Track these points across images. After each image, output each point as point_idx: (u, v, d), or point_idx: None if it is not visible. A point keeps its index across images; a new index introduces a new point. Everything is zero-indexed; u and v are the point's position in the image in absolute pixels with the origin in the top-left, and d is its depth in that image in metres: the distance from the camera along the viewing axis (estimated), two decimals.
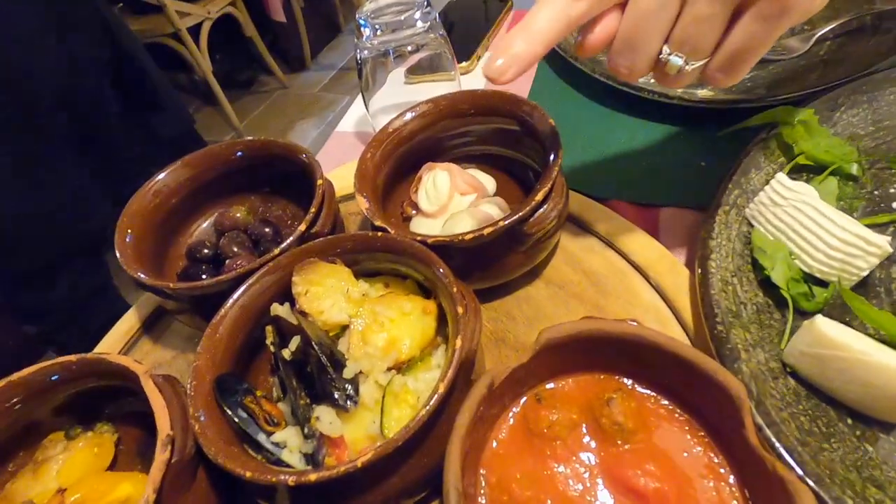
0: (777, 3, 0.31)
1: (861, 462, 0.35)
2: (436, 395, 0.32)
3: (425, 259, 0.41)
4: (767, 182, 0.50)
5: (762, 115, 0.56)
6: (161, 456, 0.33)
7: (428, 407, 0.32)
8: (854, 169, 0.51)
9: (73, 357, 0.39)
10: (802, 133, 0.52)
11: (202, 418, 0.35)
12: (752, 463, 0.30)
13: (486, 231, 0.43)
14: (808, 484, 0.33)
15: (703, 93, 0.65)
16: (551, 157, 0.46)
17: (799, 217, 0.45)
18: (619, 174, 0.62)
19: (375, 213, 0.47)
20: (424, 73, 0.80)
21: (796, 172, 0.51)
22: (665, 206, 0.58)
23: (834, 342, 0.36)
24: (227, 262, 0.54)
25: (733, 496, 0.31)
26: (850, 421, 0.37)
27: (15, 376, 0.39)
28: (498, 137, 0.57)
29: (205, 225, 0.60)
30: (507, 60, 0.35)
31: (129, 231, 0.50)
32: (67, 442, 0.42)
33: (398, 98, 0.78)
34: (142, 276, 0.46)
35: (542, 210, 0.45)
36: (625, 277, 0.50)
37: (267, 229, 0.56)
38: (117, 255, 0.48)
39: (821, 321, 0.37)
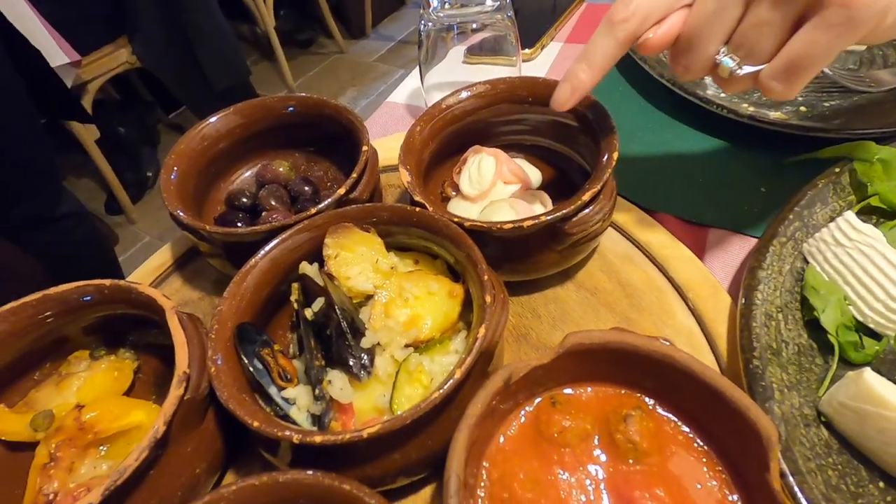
0: (843, 12, 0.30)
1: None
2: (451, 380, 0.32)
3: (460, 241, 0.40)
4: (832, 219, 0.47)
5: (838, 148, 0.53)
6: (175, 391, 0.34)
7: (441, 390, 0.31)
8: None
9: (106, 282, 0.40)
10: (880, 172, 0.49)
11: (219, 362, 0.35)
12: (767, 500, 0.28)
13: (525, 223, 0.42)
14: None
15: (775, 115, 0.61)
16: (605, 157, 0.44)
17: (862, 261, 0.42)
18: (672, 186, 0.59)
19: (416, 187, 0.46)
20: (485, 55, 0.78)
21: (866, 214, 0.48)
22: (715, 228, 0.55)
23: (880, 399, 0.33)
24: (264, 213, 0.54)
25: None
26: (881, 485, 0.35)
27: (51, 291, 0.40)
28: (552, 130, 0.56)
29: (246, 174, 0.61)
30: (572, 88, 0.41)
31: (175, 168, 0.51)
32: (91, 361, 0.44)
33: (455, 76, 0.76)
34: (181, 214, 0.47)
35: (587, 211, 0.43)
36: (661, 295, 0.48)
37: (307, 188, 0.56)
38: (161, 191, 0.49)
39: (869, 375, 0.35)
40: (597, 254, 0.52)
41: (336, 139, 0.58)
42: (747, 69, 0.36)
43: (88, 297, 0.40)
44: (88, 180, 2.59)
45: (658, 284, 0.49)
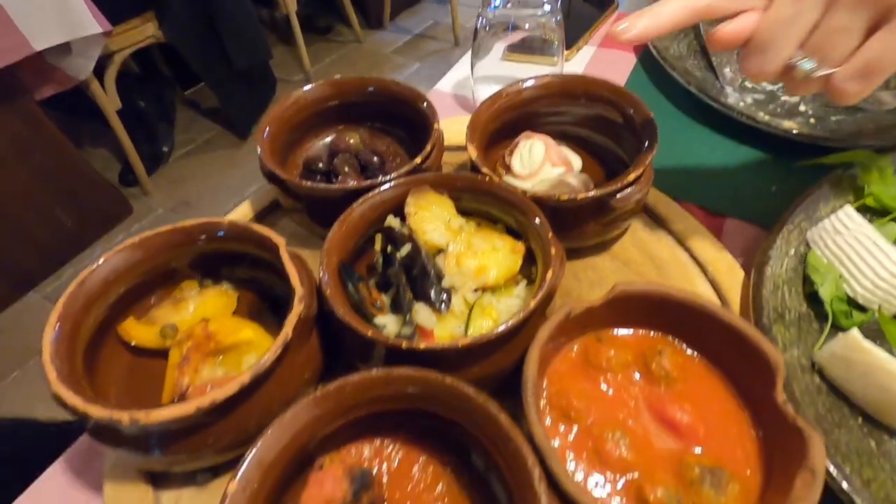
0: None
1: (862, 450, 0.41)
2: (526, 309, 0.40)
3: (526, 207, 0.48)
4: (833, 212, 0.55)
5: (844, 155, 0.61)
6: (297, 308, 0.41)
7: (521, 314, 0.39)
8: None
9: (225, 220, 0.48)
10: (876, 177, 0.57)
11: (329, 289, 0.43)
12: (775, 416, 0.36)
13: (579, 196, 0.49)
14: None
15: (788, 123, 0.69)
16: (646, 144, 0.52)
17: (856, 246, 0.50)
18: (694, 181, 0.68)
19: (483, 161, 0.54)
20: (525, 53, 0.86)
21: (861, 211, 0.56)
22: (731, 217, 0.63)
23: (865, 348, 0.42)
24: (338, 178, 0.62)
25: (751, 438, 0.38)
26: (860, 420, 0.43)
27: (180, 224, 0.47)
28: (596, 123, 0.63)
29: (320, 143, 0.68)
30: (632, 25, 0.40)
31: (269, 129, 0.58)
32: (200, 289, 0.51)
33: (500, 71, 0.84)
34: (276, 169, 0.54)
35: (630, 189, 0.51)
36: (685, 268, 0.56)
37: (375, 158, 0.64)
38: (258, 148, 0.56)
39: (856, 332, 0.43)
40: (629, 232, 0.60)
41: (401, 119, 0.65)
42: (822, 72, 0.37)
43: (211, 233, 0.48)
44: (104, 150, 2.63)
45: (682, 259, 0.57)
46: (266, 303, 0.53)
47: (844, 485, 0.37)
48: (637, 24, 0.40)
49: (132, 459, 0.40)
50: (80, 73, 1.86)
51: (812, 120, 0.72)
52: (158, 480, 0.43)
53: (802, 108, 0.75)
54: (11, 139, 1.81)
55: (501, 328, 0.38)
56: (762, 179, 0.67)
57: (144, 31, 2.08)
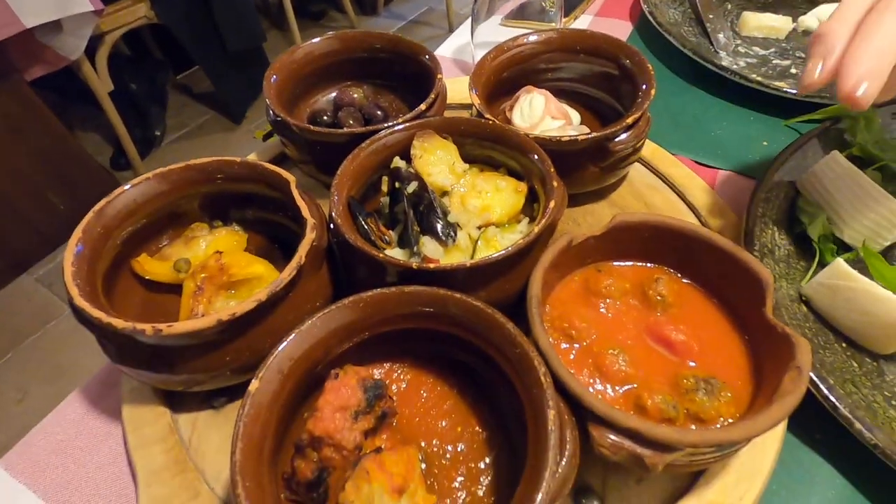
0: None
1: (846, 370, 0.43)
2: (531, 234, 0.41)
3: (527, 146, 0.50)
4: (817, 164, 0.58)
5: (831, 109, 0.63)
6: (310, 235, 0.43)
7: (526, 239, 0.41)
8: None
9: (236, 158, 0.49)
10: (862, 128, 0.60)
11: (340, 219, 0.44)
12: (764, 330, 0.38)
13: (580, 138, 0.51)
14: None
15: (778, 83, 0.71)
16: (644, 89, 0.54)
17: (843, 188, 0.53)
18: (689, 137, 0.70)
19: (485, 108, 0.56)
20: (522, 20, 0.88)
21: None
22: (723, 170, 0.65)
23: (849, 274, 0.44)
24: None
25: (742, 353, 0.40)
26: (843, 345, 0.46)
27: (193, 162, 0.48)
28: (594, 78, 0.65)
29: (324, 99, 0.69)
30: (871, 83, 0.35)
31: (276, 76, 0.59)
32: (211, 230, 0.53)
33: (497, 36, 0.85)
34: (283, 114, 0.56)
35: (628, 133, 0.53)
36: (679, 213, 0.58)
37: (379, 112, 0.65)
38: (265, 91, 0.57)
39: (841, 261, 0.45)
40: (626, 181, 0.62)
41: (404, 77, 0.67)
42: None
43: (224, 171, 0.49)
44: (95, 134, 2.61)
45: (676, 206, 0.59)
46: (276, 244, 0.54)
47: (825, 391, 0.40)
48: (873, 80, 0.36)
49: (150, 379, 0.41)
50: (71, 54, 1.84)
51: None
52: (175, 404, 0.44)
53: (794, 70, 0.77)
54: (3, 119, 1.79)
55: (508, 250, 0.40)
56: (753, 135, 0.69)
57: (136, 12, 2.06)
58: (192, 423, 0.43)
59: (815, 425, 0.42)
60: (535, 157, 0.49)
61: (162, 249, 0.51)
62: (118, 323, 0.36)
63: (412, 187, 0.49)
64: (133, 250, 0.49)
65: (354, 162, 0.49)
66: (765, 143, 0.68)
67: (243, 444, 0.30)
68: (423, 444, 0.39)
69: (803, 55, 0.80)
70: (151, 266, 0.48)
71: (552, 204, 0.44)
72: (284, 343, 0.35)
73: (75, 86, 2.08)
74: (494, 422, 0.40)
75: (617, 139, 0.53)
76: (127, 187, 0.46)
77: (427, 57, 0.62)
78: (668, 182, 0.61)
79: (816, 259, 0.51)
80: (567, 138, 0.51)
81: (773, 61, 0.80)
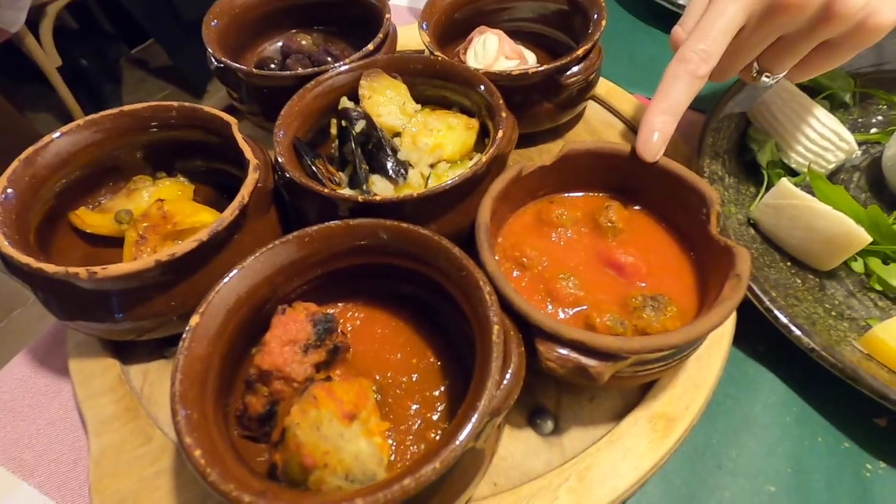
0: (864, 39, 0.40)
1: (789, 286, 0.45)
2: (478, 164, 0.41)
3: (476, 80, 0.49)
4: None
5: None
6: (252, 175, 0.41)
7: (473, 167, 0.40)
8: (847, 97, 0.59)
9: (174, 103, 0.47)
10: None
11: (283, 159, 0.43)
12: (709, 246, 0.39)
13: (530, 71, 0.50)
14: None
15: None
16: (594, 18, 0.53)
17: (790, 114, 0.53)
18: (645, 76, 0.70)
19: (437, 47, 0.54)
20: None
21: None
22: None
23: (793, 193, 0.45)
24: None
25: (688, 271, 0.40)
26: (788, 264, 0.47)
27: (126, 107, 0.46)
28: (548, 17, 0.64)
29: (271, 48, 0.66)
30: (661, 136, 0.42)
31: (216, 21, 0.57)
32: (154, 181, 0.51)
33: None
34: (224, 58, 0.53)
35: (580, 65, 0.52)
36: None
37: (329, 58, 0.63)
38: (204, 37, 0.55)
39: (786, 180, 0.46)
40: (582, 120, 0.61)
41: (355, 22, 0.64)
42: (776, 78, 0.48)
43: (161, 117, 0.47)
44: (47, 114, 2.49)
45: (630, 141, 0.59)
46: (225, 195, 0.52)
47: (767, 302, 0.41)
48: (663, 133, 0.43)
49: (94, 329, 0.40)
50: (10, 27, 1.73)
51: None
52: (125, 356, 0.43)
53: None
54: None
55: (456, 179, 0.40)
56: None
57: None
58: (143, 373, 0.43)
59: (759, 339, 0.44)
60: (483, 88, 0.48)
61: (102, 203, 0.49)
62: (49, 268, 0.35)
63: (360, 126, 0.47)
64: (70, 203, 0.47)
65: (300, 102, 0.47)
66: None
67: (183, 375, 0.30)
68: (377, 377, 0.39)
69: None
70: (91, 218, 0.46)
71: (500, 134, 0.43)
72: (226, 278, 0.34)
73: (22, 63, 1.96)
74: (448, 352, 0.40)
75: (569, 72, 0.52)
76: (56, 135, 0.44)
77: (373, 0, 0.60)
78: (623, 118, 0.61)
79: (765, 184, 0.52)
80: (518, 71, 0.51)
81: None
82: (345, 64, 0.51)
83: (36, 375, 0.45)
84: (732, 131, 0.56)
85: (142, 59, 2.77)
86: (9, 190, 0.39)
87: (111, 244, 0.47)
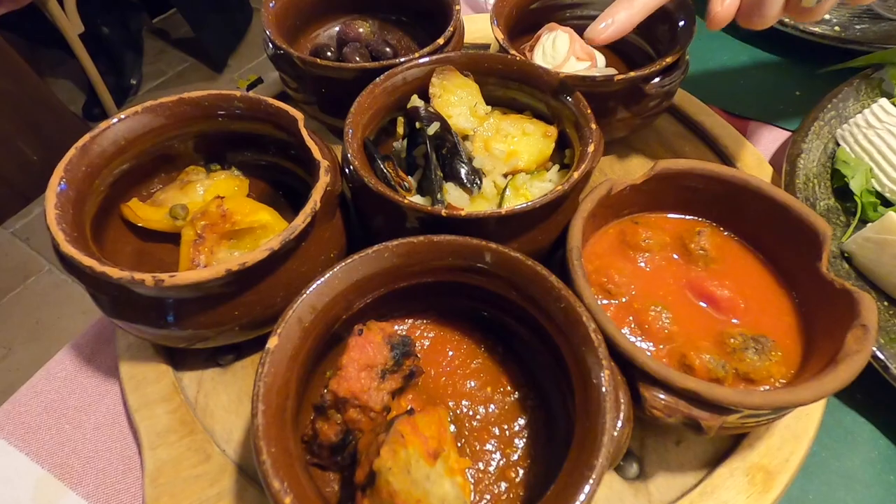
0: None
1: (888, 328, 0.41)
2: (570, 180, 0.38)
3: (559, 87, 0.45)
4: (860, 112, 0.54)
5: (873, 56, 0.59)
6: (324, 178, 0.38)
7: (561, 186, 0.37)
8: None
9: (236, 92, 0.44)
10: None
11: (357, 161, 0.40)
12: (818, 285, 0.36)
13: (616, 78, 0.47)
14: None
15: (815, 29, 0.67)
16: (682, 25, 0.49)
17: (888, 139, 0.49)
18: (717, 85, 0.66)
19: (510, 44, 0.51)
20: None
21: None
22: (755, 120, 0.61)
23: None
24: None
25: (790, 310, 0.37)
26: (885, 303, 0.44)
27: (186, 95, 0.43)
28: None
29: (326, 33, 0.63)
30: (609, 24, 0.40)
31: (274, 2, 0.53)
32: (208, 173, 0.48)
33: None
34: (285, 46, 0.50)
35: (664, 76, 0.48)
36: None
37: (388, 49, 0.59)
38: (263, 18, 0.51)
39: (893, 214, 0.43)
40: (654, 130, 0.58)
41: (417, 12, 0.61)
42: None
43: (224, 106, 0.43)
44: (66, 80, 2.45)
45: (708, 156, 0.55)
46: (279, 191, 0.49)
47: (875, 350, 0.38)
48: (612, 23, 0.41)
49: (150, 334, 0.37)
50: None
51: (836, 28, 0.70)
52: (178, 361, 0.41)
53: (827, 16, 0.72)
54: None
55: (546, 197, 0.36)
56: (786, 84, 0.65)
57: None
58: (197, 381, 0.40)
59: (856, 384, 0.40)
60: (569, 98, 0.44)
61: (154, 195, 0.46)
62: (113, 272, 0.32)
63: (434, 128, 0.44)
64: (122, 194, 0.44)
65: (370, 98, 0.44)
66: (798, 93, 0.64)
67: (265, 405, 0.27)
68: (451, 403, 0.36)
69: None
70: (144, 212, 0.43)
71: (591, 148, 0.40)
72: (305, 294, 0.32)
73: (44, 28, 1.92)
74: (526, 381, 0.37)
75: (654, 81, 0.48)
76: (114, 121, 0.41)
77: None
78: (699, 131, 0.57)
79: (858, 214, 0.48)
80: (602, 78, 0.47)
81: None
82: (416, 58, 0.47)
83: (81, 374, 0.43)
84: (821, 153, 0.52)
85: (163, 29, 2.72)
86: (66, 181, 0.36)
87: (162, 239, 0.45)
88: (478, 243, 0.34)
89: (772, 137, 0.60)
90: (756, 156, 0.53)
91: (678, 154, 0.56)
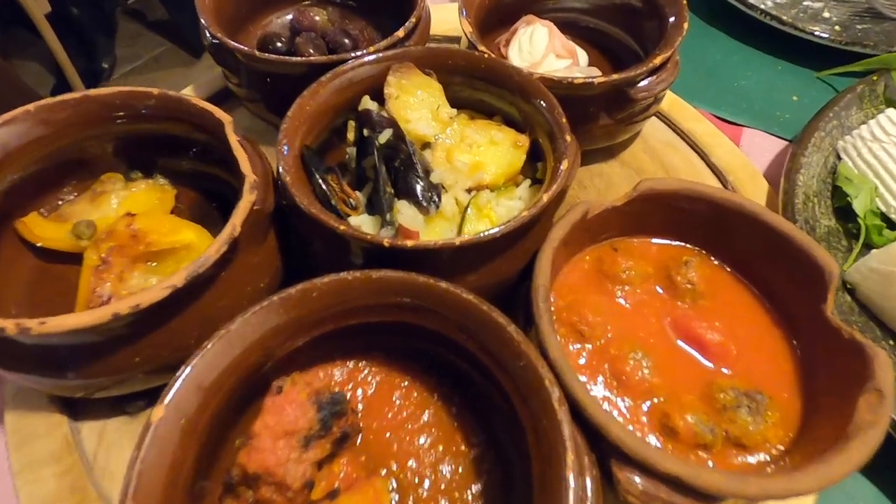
0: None
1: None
2: (537, 203, 0.32)
3: (532, 88, 0.39)
4: (865, 122, 0.49)
5: (877, 59, 0.55)
6: (248, 197, 0.32)
7: (530, 211, 0.31)
8: None
9: (152, 90, 0.37)
10: None
11: (289, 177, 0.34)
12: (822, 332, 0.31)
13: (597, 81, 0.41)
14: None
15: (812, 27, 0.62)
16: (672, 21, 0.44)
17: (895, 154, 0.45)
18: (708, 86, 0.60)
19: (479, 38, 0.45)
20: None
21: None
22: (749, 128, 0.56)
23: None
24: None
25: (788, 358, 0.32)
26: (892, 342, 0.39)
27: (92, 92, 0.36)
28: (607, 12, 0.54)
29: (279, 21, 0.56)
30: None
31: None
32: (126, 182, 0.41)
33: None
34: (224, 37, 0.43)
35: (654, 77, 0.43)
36: (701, 177, 0.49)
37: (346, 40, 0.53)
38: (197, 5, 0.44)
39: None
40: (640, 138, 0.52)
41: None
42: None
43: (136, 106, 0.37)
44: (34, 62, 2.33)
45: (698, 168, 0.50)
46: (213, 202, 0.43)
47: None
48: None
49: (37, 383, 0.31)
50: None
51: (837, 27, 0.64)
52: (77, 410, 0.35)
53: (826, 14, 0.67)
54: None
55: (511, 224, 0.31)
56: (782, 87, 0.60)
57: None
58: (98, 432, 0.34)
59: None
60: (543, 103, 0.38)
61: (61, 207, 0.40)
62: None
63: (385, 136, 0.38)
64: (18, 206, 0.38)
65: (312, 100, 0.38)
66: (795, 98, 0.59)
67: (139, 495, 0.21)
68: (394, 466, 0.31)
69: None
70: (42, 230, 0.37)
71: (564, 165, 0.34)
72: (202, 352, 0.26)
73: (9, 6, 1.81)
74: (483, 435, 0.32)
75: (640, 84, 0.43)
76: None
77: None
78: (688, 139, 0.52)
79: (861, 238, 0.43)
80: (580, 81, 0.41)
81: (804, 2, 0.69)
82: (369, 53, 0.41)
83: None
84: (821, 168, 0.47)
85: (138, 10, 2.60)
86: None
87: (66, 259, 0.38)
88: (424, 282, 0.29)
89: (767, 147, 0.55)
90: (750, 169, 0.48)
91: (665, 165, 0.50)
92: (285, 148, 0.35)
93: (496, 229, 0.31)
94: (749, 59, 0.64)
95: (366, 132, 0.38)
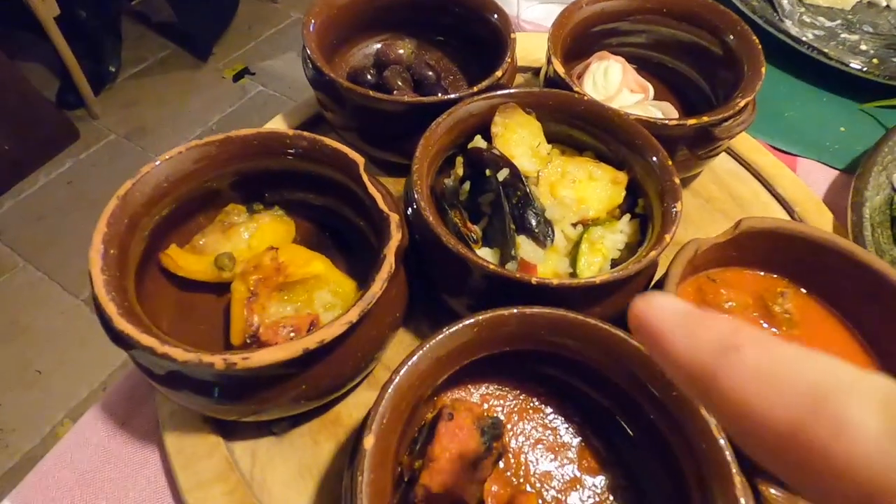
0: None
1: None
2: (649, 255, 0.35)
3: (633, 132, 0.43)
4: None
5: None
6: (395, 236, 0.35)
7: (656, 249, 0.35)
8: None
9: (289, 132, 0.40)
10: None
11: (431, 217, 0.36)
12: None
13: (689, 122, 0.45)
14: None
15: (855, 62, 0.66)
16: (753, 67, 0.48)
17: None
18: (760, 117, 0.64)
19: (572, 79, 0.48)
20: None
21: None
22: (803, 158, 0.60)
23: None
24: (391, 94, 0.53)
25: None
26: None
27: (233, 133, 0.39)
28: (681, 50, 0.57)
29: (361, 53, 0.59)
30: None
31: (314, 21, 0.49)
32: (250, 214, 0.44)
33: None
34: (330, 73, 0.46)
35: (737, 118, 0.46)
36: (767, 208, 0.53)
37: (430, 73, 0.56)
38: (305, 42, 0.47)
39: None
40: (708, 169, 0.56)
41: (457, 29, 0.57)
42: None
43: (270, 145, 0.40)
44: (39, 65, 2.31)
45: (763, 199, 0.54)
46: (325, 231, 0.46)
47: None
48: None
49: (204, 408, 0.34)
50: None
51: (875, 60, 0.69)
52: (228, 431, 0.37)
53: (864, 47, 0.72)
54: None
55: (643, 262, 0.34)
56: (829, 119, 0.64)
57: None
58: (251, 453, 0.37)
59: None
60: (656, 159, 0.41)
61: (194, 239, 0.42)
62: (178, 354, 0.28)
63: (504, 174, 0.41)
64: (161, 241, 0.40)
65: (433, 139, 0.41)
66: (842, 129, 0.63)
67: None
68: (537, 484, 0.34)
69: (871, 30, 0.75)
70: (186, 261, 0.39)
71: (668, 238, 0.36)
72: (395, 384, 0.29)
73: (15, 9, 1.80)
74: (613, 459, 0.35)
75: (725, 125, 0.46)
76: (157, 163, 0.36)
77: (496, 15, 0.53)
78: (753, 171, 0.56)
79: None
80: (674, 122, 0.45)
81: (841, 35, 0.74)
82: (476, 94, 0.44)
83: (115, 440, 0.39)
84: (879, 198, 0.51)
85: (143, 12, 2.59)
86: (109, 240, 0.32)
87: (200, 288, 0.41)
88: (575, 319, 0.32)
89: (821, 176, 0.59)
90: (815, 200, 0.52)
91: (734, 195, 0.54)
92: (417, 185, 0.38)
93: (633, 267, 0.34)
94: (794, 90, 0.68)
95: (487, 172, 0.41)
